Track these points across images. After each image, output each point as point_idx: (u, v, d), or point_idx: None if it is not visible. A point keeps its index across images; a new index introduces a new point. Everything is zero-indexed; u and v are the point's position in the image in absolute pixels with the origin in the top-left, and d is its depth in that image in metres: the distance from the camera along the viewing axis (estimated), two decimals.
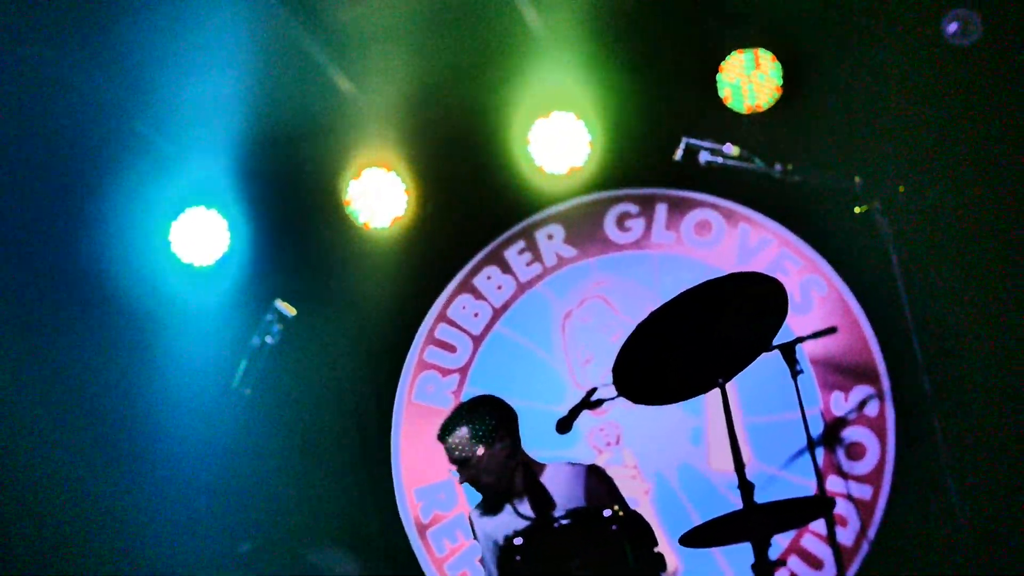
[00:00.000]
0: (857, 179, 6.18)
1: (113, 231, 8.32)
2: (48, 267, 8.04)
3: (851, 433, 7.87)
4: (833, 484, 7.69)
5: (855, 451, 7.84)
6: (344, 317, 8.55)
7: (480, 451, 6.08)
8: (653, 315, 4.98)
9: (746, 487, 4.96)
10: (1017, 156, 7.41)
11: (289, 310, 6.35)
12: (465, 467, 6.12)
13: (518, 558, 4.98)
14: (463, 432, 6.11)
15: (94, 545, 7.81)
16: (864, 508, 7.71)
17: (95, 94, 7.51)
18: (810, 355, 7.74)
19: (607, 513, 5.02)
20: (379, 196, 8.45)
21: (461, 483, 6.23)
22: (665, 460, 8.13)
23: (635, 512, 5.15)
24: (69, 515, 7.87)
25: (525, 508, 5.11)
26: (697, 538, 5.18)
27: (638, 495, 7.95)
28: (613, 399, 5.80)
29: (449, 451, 6.23)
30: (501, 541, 5.86)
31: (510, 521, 5.87)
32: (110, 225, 8.33)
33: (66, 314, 8.00)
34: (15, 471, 7.64)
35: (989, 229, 7.41)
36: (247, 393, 6.27)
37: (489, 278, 8.65)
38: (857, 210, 6.16)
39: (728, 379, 5.15)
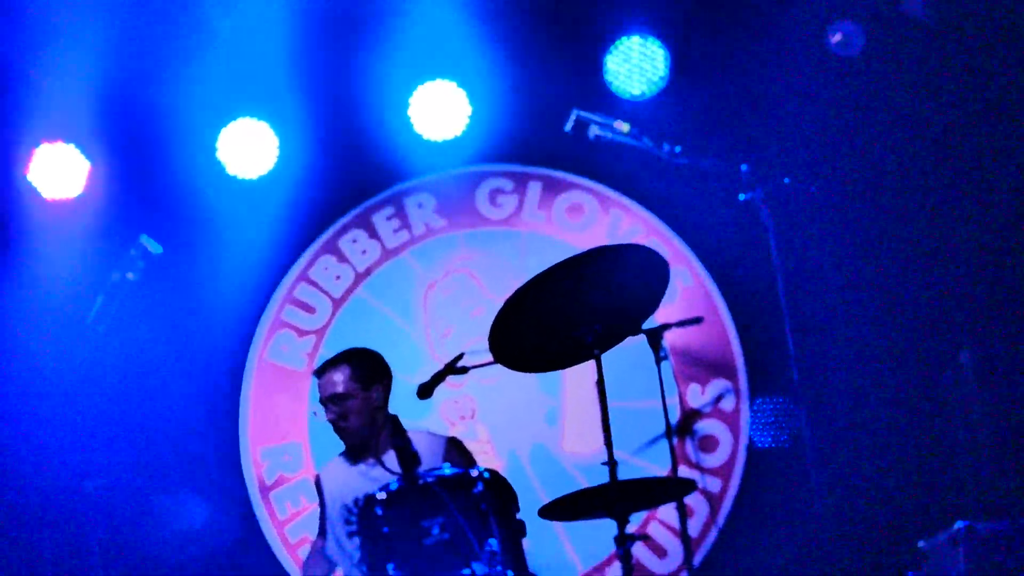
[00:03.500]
0: (743, 166, 6.20)
1: None
2: None
3: (705, 426, 7.91)
4: (684, 475, 7.70)
5: (708, 443, 7.89)
6: (204, 266, 8.32)
7: (356, 391, 6.10)
8: (539, 277, 4.93)
9: (613, 462, 4.94)
10: (901, 156, 7.54)
11: (154, 247, 6.14)
12: (336, 403, 6.12)
13: (379, 511, 4.86)
14: (344, 369, 6.19)
15: None
16: (713, 500, 7.77)
17: None
18: (670, 345, 7.72)
19: (473, 472, 4.95)
20: (248, 146, 8.23)
21: (328, 419, 6.17)
22: (518, 438, 8.08)
23: (499, 473, 5.09)
24: None
25: (391, 463, 5.00)
26: (558, 510, 5.15)
27: None
28: (481, 365, 5.77)
29: (323, 387, 6.22)
30: (358, 498, 5.80)
31: (368, 480, 5.80)
32: None
33: None
34: None
35: (866, 225, 7.53)
36: (100, 330, 6.05)
37: (355, 241, 8.49)
38: (741, 197, 6.18)
39: (603, 351, 5.13)
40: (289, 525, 8.08)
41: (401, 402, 6.11)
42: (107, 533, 5.70)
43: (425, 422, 7.59)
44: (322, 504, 6.46)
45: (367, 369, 6.27)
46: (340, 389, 6.16)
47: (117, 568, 5.83)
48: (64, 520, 5.83)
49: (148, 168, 8.31)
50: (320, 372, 6.28)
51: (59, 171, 8.10)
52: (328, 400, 6.20)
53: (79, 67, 7.90)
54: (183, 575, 7.48)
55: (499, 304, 5.00)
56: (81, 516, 5.67)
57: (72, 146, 8.12)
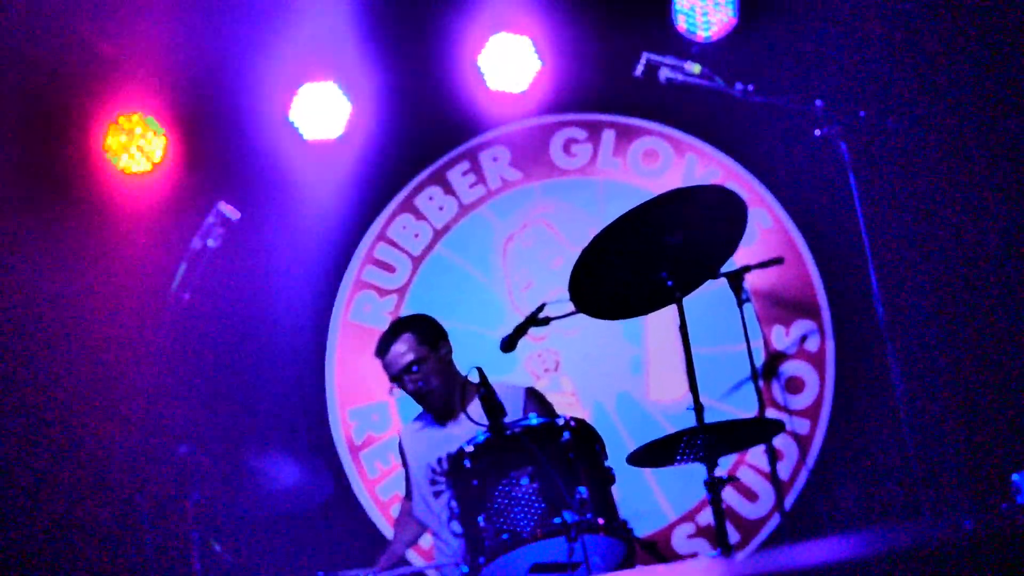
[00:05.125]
0: (817, 102, 6.11)
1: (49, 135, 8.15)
2: None
3: (791, 367, 7.86)
4: (772, 417, 7.65)
5: (794, 385, 7.84)
6: (283, 230, 8.38)
7: (427, 353, 6.12)
8: (615, 223, 4.91)
9: (699, 407, 4.93)
10: (978, 86, 7.41)
11: (233, 213, 6.18)
12: (414, 371, 6.13)
13: (467, 464, 4.88)
14: (407, 338, 6.19)
15: (23, 441, 7.71)
16: (802, 441, 7.72)
17: None
18: (752, 288, 7.66)
19: (559, 421, 4.95)
20: (320, 109, 8.26)
21: (409, 393, 6.20)
22: (603, 388, 8.07)
23: (585, 421, 5.09)
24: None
25: (477, 415, 5.01)
26: (646, 457, 5.15)
27: None
28: (563, 316, 5.76)
29: (392, 363, 6.22)
30: (441, 457, 5.83)
31: (452, 438, 5.82)
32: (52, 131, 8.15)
33: (10, 215, 7.84)
34: None
35: (946, 156, 7.41)
36: (185, 298, 6.11)
37: (431, 198, 8.51)
38: (817, 133, 6.09)
39: (684, 295, 5.11)
40: (380, 484, 8.14)
41: (485, 356, 6.01)
42: (201, 495, 5.75)
43: (510, 376, 7.62)
44: (405, 466, 6.50)
45: (427, 329, 6.30)
46: (412, 356, 6.18)
47: (212, 529, 5.90)
48: (159, 484, 5.91)
49: (224, 136, 8.37)
50: (382, 351, 6.26)
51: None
52: (402, 373, 6.20)
53: (155, 40, 7.97)
54: (277, 535, 7.60)
55: (578, 254, 5.00)
56: (175, 480, 5.73)
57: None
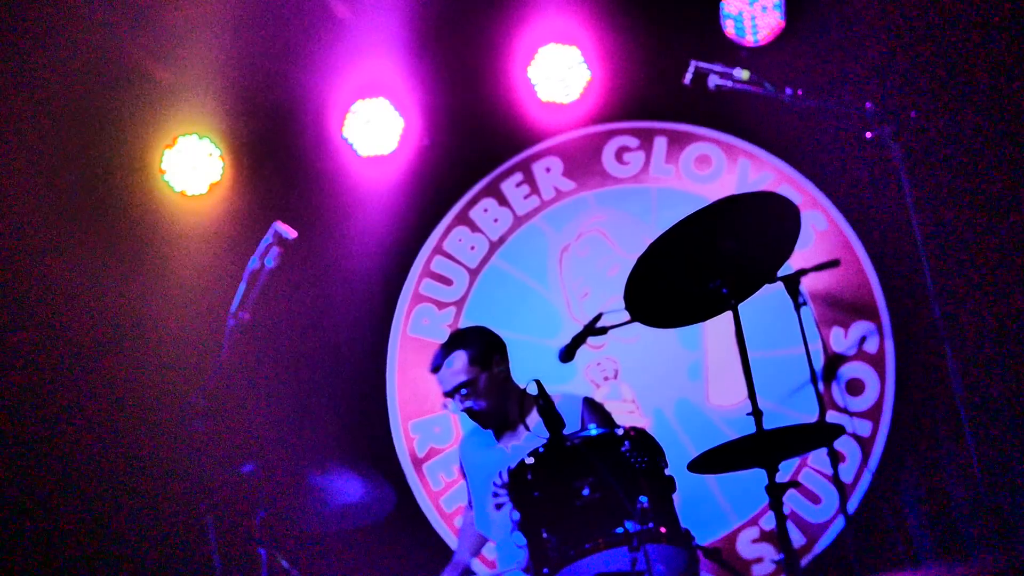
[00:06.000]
0: (867, 104, 6.11)
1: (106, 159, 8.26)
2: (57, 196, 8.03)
3: (850, 369, 7.83)
4: (832, 420, 7.63)
5: (854, 387, 7.81)
6: (340, 247, 8.46)
7: (479, 374, 6.11)
8: (669, 231, 4.94)
9: (758, 412, 4.93)
10: None
11: (289, 232, 6.23)
12: (464, 393, 6.13)
13: (529, 476, 4.91)
14: (459, 356, 6.17)
15: (89, 461, 7.81)
16: (864, 443, 7.69)
17: None
18: (809, 291, 7.66)
19: (619, 431, 4.97)
20: (374, 125, 8.33)
21: (460, 412, 6.21)
22: (663, 395, 8.07)
23: (645, 431, 5.10)
24: (62, 430, 7.90)
25: (537, 427, 5.03)
26: (707, 463, 5.15)
27: None
28: (619, 325, 5.78)
29: (445, 381, 6.23)
30: (499, 474, 5.85)
31: (512, 450, 5.84)
32: (103, 153, 8.26)
33: (71, 238, 8.00)
34: None
35: (998, 155, 7.36)
36: (245, 318, 6.17)
37: (486, 211, 8.56)
38: (868, 135, 6.08)
39: (740, 301, 5.12)
40: (444, 496, 8.19)
41: (543, 366, 6.07)
42: (268, 512, 5.82)
43: (569, 385, 7.65)
44: (465, 477, 6.53)
45: (481, 347, 6.25)
46: (464, 377, 6.17)
47: (279, 546, 5.97)
48: (225, 503, 5.97)
49: (279, 155, 8.46)
50: (436, 368, 6.27)
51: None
52: (454, 391, 6.23)
53: (211, 62, 8.07)
54: (344, 549, 7.65)
55: (633, 262, 5.02)
56: (242, 498, 5.80)
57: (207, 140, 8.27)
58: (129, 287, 8.04)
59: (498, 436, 6.31)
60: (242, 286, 6.28)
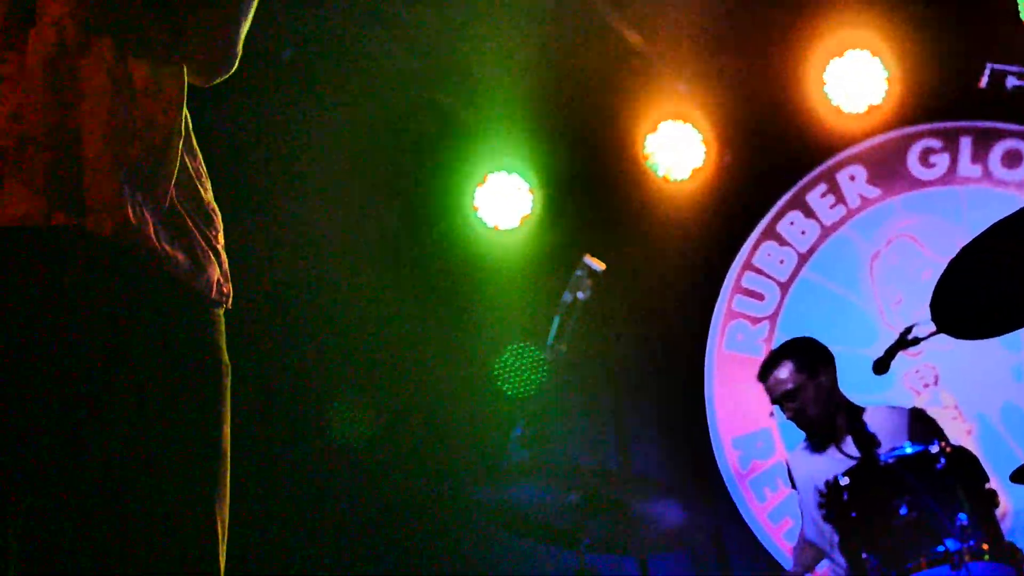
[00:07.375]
0: None
1: (420, 200, 8.62)
2: (365, 239, 8.39)
3: None
4: None
5: None
6: (648, 271, 8.61)
7: (805, 381, 6.19)
8: (974, 242, 4.87)
9: None
10: None
11: (599, 265, 6.44)
12: (791, 400, 6.22)
13: (845, 496, 4.95)
14: (787, 365, 6.28)
15: (410, 496, 8.16)
16: None
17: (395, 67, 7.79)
18: None
19: (933, 449, 4.95)
20: (677, 148, 8.45)
21: (788, 418, 6.29)
22: (986, 399, 7.88)
23: (962, 447, 5.06)
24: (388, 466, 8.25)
25: (849, 448, 5.08)
26: None
27: (960, 436, 7.72)
28: (930, 336, 5.72)
29: (772, 389, 6.33)
30: (823, 484, 5.89)
31: (833, 463, 5.87)
32: (417, 195, 8.62)
33: (381, 278, 8.33)
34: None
35: None
36: (563, 350, 6.38)
37: (792, 223, 8.57)
38: None
39: None
40: (770, 510, 8.22)
41: (860, 376, 6.06)
42: (592, 540, 5.99)
43: (889, 394, 7.56)
44: (796, 489, 6.57)
45: (809, 357, 6.33)
46: (790, 386, 6.25)
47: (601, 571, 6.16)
48: (553, 534, 6.17)
49: (582, 185, 8.67)
50: (764, 375, 6.39)
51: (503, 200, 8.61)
52: (781, 399, 6.31)
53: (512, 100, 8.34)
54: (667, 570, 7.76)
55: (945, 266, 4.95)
56: (568, 528, 5.99)
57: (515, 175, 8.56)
58: (441, 321, 8.35)
59: (824, 446, 6.34)
60: (557, 319, 6.50)
